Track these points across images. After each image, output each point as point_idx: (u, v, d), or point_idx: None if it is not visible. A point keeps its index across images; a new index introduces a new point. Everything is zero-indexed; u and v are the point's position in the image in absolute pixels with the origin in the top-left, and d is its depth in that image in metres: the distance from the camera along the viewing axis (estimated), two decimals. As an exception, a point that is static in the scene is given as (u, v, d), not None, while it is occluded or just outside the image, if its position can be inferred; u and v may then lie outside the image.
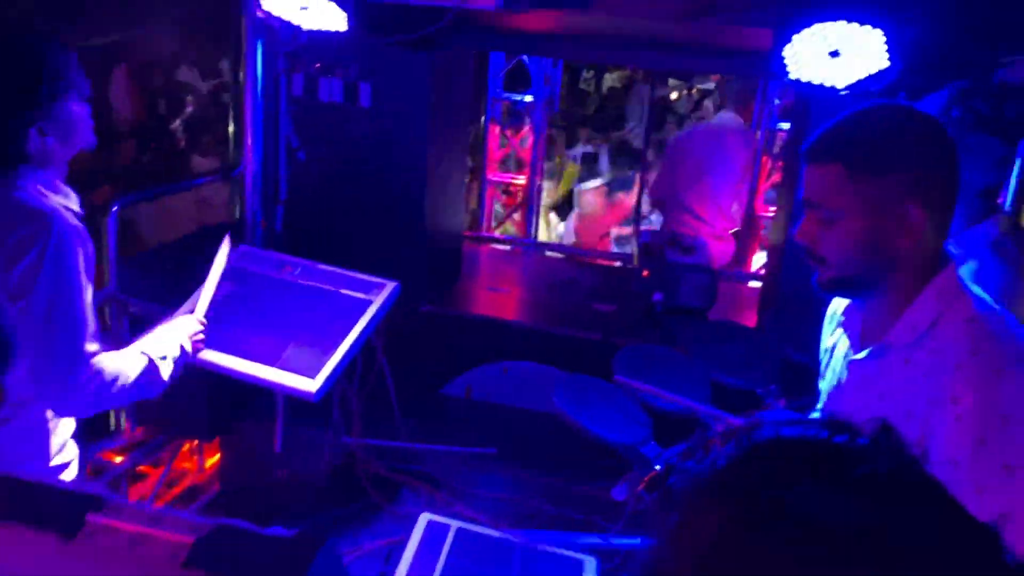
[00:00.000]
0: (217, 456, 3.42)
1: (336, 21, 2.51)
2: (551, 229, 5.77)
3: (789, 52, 2.32)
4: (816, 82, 2.39)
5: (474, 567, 2.33)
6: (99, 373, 1.88)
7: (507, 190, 4.97)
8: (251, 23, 3.23)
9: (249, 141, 3.48)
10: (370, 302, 2.77)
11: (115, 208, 3.02)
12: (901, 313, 1.48)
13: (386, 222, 3.54)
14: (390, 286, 2.81)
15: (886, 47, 2.23)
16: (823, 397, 1.74)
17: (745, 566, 0.54)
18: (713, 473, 0.60)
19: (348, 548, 2.59)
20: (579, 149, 7.63)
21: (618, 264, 4.52)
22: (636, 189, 4.65)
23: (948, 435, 1.38)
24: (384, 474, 2.94)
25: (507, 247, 4.54)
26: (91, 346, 1.88)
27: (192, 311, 2.43)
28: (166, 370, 2.09)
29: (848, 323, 1.64)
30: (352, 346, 2.67)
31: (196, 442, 3.44)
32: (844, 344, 1.65)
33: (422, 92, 3.37)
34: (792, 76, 2.39)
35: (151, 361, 2.04)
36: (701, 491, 0.59)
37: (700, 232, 4.65)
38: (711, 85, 11.82)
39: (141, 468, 3.31)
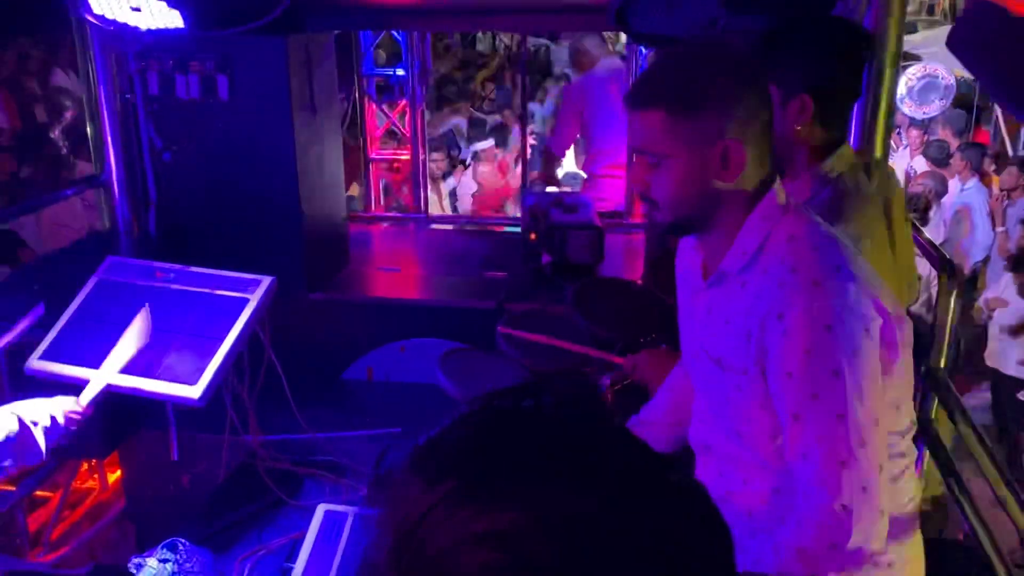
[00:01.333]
0: (119, 471, 3.35)
1: (171, 19, 2.44)
2: (442, 199, 5.75)
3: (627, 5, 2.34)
4: (657, 32, 2.42)
5: (373, 551, 2.35)
6: None
7: (392, 167, 4.93)
8: (93, 26, 3.12)
9: (109, 145, 3.38)
10: (247, 300, 2.74)
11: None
12: (732, 242, 1.54)
13: (262, 215, 3.48)
14: (266, 281, 2.78)
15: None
16: (681, 332, 1.79)
17: (443, 540, 0.56)
18: (415, 450, 0.62)
19: (252, 546, 2.58)
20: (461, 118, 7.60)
21: (509, 230, 4.54)
22: (516, 151, 4.65)
23: (779, 349, 1.46)
24: (286, 468, 2.93)
25: (397, 224, 4.51)
26: None
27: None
28: (40, 436, 2.01)
29: (693, 259, 1.69)
30: (233, 346, 2.64)
31: (94, 460, 3.37)
32: (691, 280, 1.71)
33: (280, 79, 3.30)
34: (634, 29, 2.41)
35: (21, 422, 1.97)
36: (407, 468, 0.61)
37: (615, 174, 4.67)
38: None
39: (40, 493, 3.23)
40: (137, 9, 2.43)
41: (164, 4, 2.37)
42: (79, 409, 2.23)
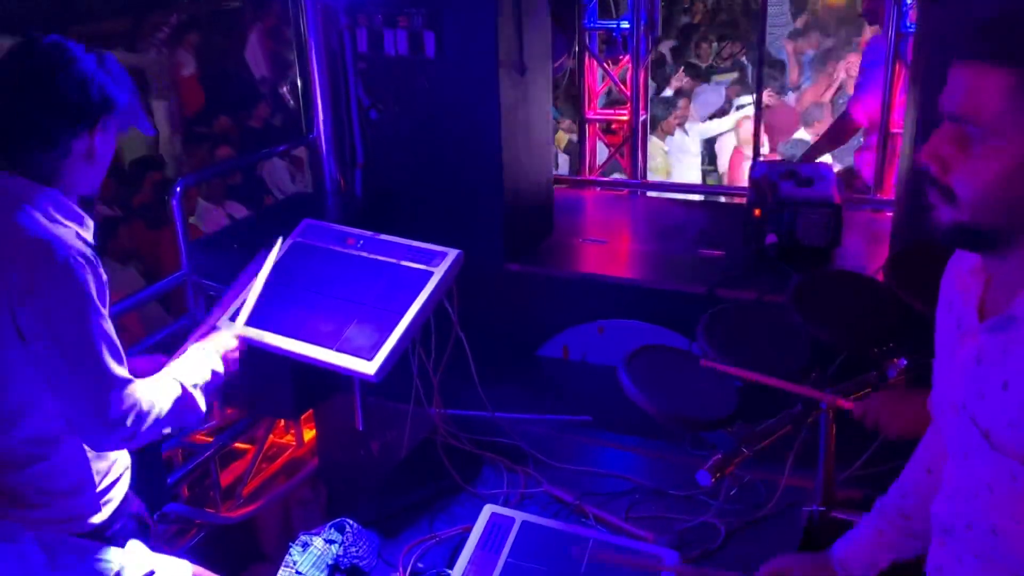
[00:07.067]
0: (314, 429, 3.37)
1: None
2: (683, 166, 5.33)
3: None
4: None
5: (537, 565, 2.14)
6: (134, 405, 1.78)
7: (609, 128, 4.61)
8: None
9: (319, 104, 3.34)
10: (431, 273, 2.60)
11: (178, 188, 2.95)
12: None
13: (463, 180, 3.34)
14: (452, 255, 2.62)
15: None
16: (935, 376, 1.39)
17: None
18: None
19: (422, 534, 2.47)
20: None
21: (736, 201, 4.11)
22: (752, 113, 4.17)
23: None
24: (466, 449, 2.79)
25: (611, 190, 4.23)
26: (119, 370, 1.77)
27: (224, 310, 2.37)
28: (200, 398, 1.98)
29: (967, 284, 1.27)
30: (414, 320, 2.51)
31: (287, 418, 3.40)
32: (960, 312, 1.30)
33: (487, 36, 3.11)
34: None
35: (184, 389, 1.94)
36: None
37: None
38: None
39: (238, 445, 3.30)
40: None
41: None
42: (235, 343, 2.21)
